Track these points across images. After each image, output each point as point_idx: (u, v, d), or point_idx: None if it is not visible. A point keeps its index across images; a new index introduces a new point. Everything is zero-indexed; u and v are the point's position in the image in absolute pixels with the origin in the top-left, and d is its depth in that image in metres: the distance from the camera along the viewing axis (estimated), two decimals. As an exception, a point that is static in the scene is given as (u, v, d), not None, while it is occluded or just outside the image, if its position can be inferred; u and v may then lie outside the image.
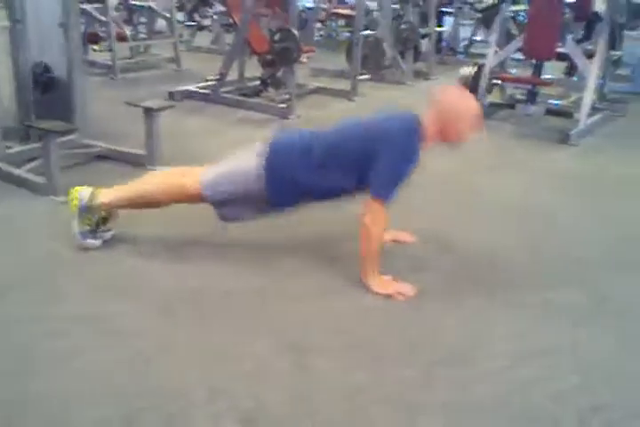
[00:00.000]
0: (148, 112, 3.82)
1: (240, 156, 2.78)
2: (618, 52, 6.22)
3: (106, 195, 2.82)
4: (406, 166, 2.58)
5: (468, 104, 2.66)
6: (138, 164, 3.91)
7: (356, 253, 2.67)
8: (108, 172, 3.83)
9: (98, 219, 2.82)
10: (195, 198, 2.76)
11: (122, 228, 2.94)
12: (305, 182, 2.66)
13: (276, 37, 5.32)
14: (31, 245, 2.88)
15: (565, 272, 2.88)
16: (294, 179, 2.66)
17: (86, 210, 2.79)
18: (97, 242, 2.84)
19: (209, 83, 6.00)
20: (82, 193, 2.81)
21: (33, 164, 3.67)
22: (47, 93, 4.07)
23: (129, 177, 3.69)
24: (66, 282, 2.58)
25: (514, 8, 6.50)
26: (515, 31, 6.90)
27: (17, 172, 3.55)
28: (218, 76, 5.82)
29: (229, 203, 2.73)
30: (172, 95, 5.81)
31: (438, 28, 8.23)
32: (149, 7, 7.62)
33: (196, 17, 9.27)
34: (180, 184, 2.76)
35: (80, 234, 2.80)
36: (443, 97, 2.67)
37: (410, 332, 2.35)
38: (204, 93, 5.88)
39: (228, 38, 7.99)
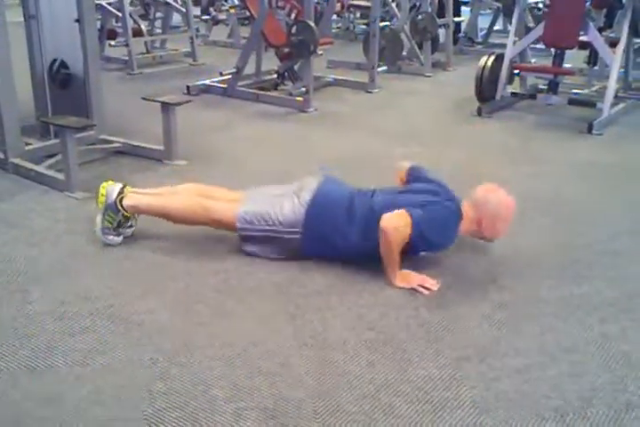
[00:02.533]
0: (166, 107, 3.80)
1: (283, 198, 2.72)
2: (641, 41, 6.10)
3: (133, 198, 2.80)
4: (442, 223, 2.60)
5: (509, 206, 2.67)
6: (156, 159, 3.90)
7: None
8: (126, 167, 3.82)
9: (121, 218, 2.79)
10: (224, 225, 2.75)
11: (144, 223, 2.92)
12: (343, 241, 2.64)
13: (293, 30, 5.28)
14: (51, 241, 2.87)
15: (593, 265, 2.81)
16: (333, 236, 2.64)
17: (111, 208, 2.78)
18: (118, 239, 2.82)
19: (226, 77, 5.97)
20: (110, 190, 2.80)
21: (52, 160, 3.67)
22: (64, 90, 4.07)
23: (147, 172, 3.72)
24: (87, 278, 2.56)
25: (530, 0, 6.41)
26: (531, 24, 6.81)
27: (36, 168, 3.55)
28: (234, 70, 5.79)
29: (259, 242, 2.71)
30: (189, 90, 5.79)
31: (456, 19, 8.13)
32: (165, 1, 7.60)
33: (212, 11, 9.23)
34: (215, 210, 2.73)
35: (102, 230, 2.79)
36: (486, 198, 2.67)
37: (433, 327, 2.30)
38: (220, 87, 5.86)
39: (245, 32, 7.96)
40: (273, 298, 2.48)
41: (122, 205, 2.77)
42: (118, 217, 2.78)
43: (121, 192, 2.79)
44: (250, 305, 2.42)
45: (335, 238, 2.64)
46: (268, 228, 2.66)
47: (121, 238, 2.83)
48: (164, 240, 2.90)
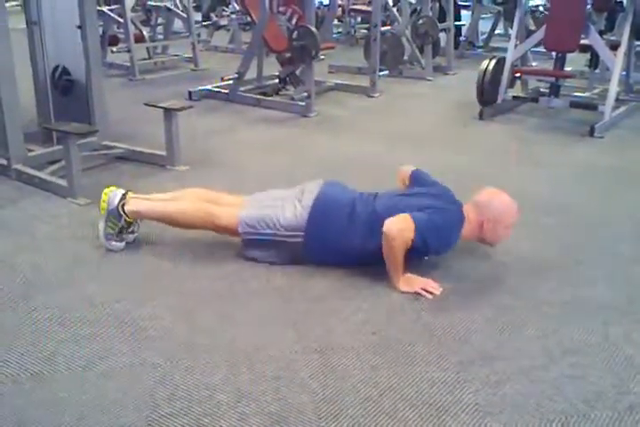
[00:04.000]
0: (168, 113, 3.81)
1: (285, 202, 2.72)
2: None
3: (136, 204, 2.81)
4: (444, 228, 2.58)
5: (512, 211, 2.67)
6: (158, 164, 3.91)
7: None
8: (128, 173, 3.83)
9: (123, 223, 2.79)
10: (227, 231, 2.76)
11: (146, 229, 2.93)
12: (345, 245, 2.64)
13: (295, 35, 5.29)
14: (55, 248, 2.88)
15: (596, 269, 2.81)
16: (335, 240, 2.64)
17: (114, 214, 2.78)
18: (120, 244, 2.83)
19: (227, 82, 5.98)
20: (112, 196, 2.80)
21: (54, 166, 3.68)
22: (67, 96, 4.08)
23: (150, 178, 3.72)
24: (91, 284, 2.57)
25: (532, 3, 6.41)
26: (533, 27, 6.82)
27: (39, 174, 3.56)
28: (236, 75, 5.80)
29: (261, 247, 2.71)
30: (190, 95, 5.81)
31: (457, 23, 8.15)
32: (167, 7, 7.62)
33: (214, 16, 9.26)
34: (217, 215, 2.72)
35: (105, 236, 2.80)
36: (490, 202, 2.67)
37: (437, 331, 2.30)
38: (222, 93, 5.87)
39: (246, 37, 7.98)
40: (276, 303, 2.48)
41: (124, 211, 2.78)
42: (121, 223, 2.79)
43: (123, 198, 2.79)
44: (253, 310, 2.43)
45: (337, 242, 2.64)
46: (270, 231, 2.66)
47: (123, 244, 2.84)
48: (166, 246, 2.90)
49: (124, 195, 2.80)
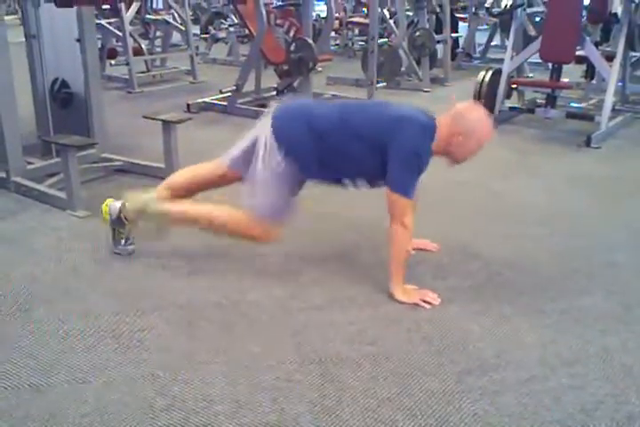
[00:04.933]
0: (166, 125, 3.83)
1: (262, 161, 2.62)
2: (637, 54, 6.14)
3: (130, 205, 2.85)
4: (419, 162, 2.54)
5: (487, 127, 2.60)
6: (157, 176, 3.91)
7: (379, 263, 2.64)
8: (127, 185, 3.81)
9: (129, 228, 2.86)
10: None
11: (144, 241, 2.93)
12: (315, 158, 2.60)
13: (292, 47, 5.32)
14: (54, 260, 2.88)
15: (593, 278, 2.82)
16: (307, 149, 2.59)
17: (117, 223, 2.84)
18: (132, 247, 2.90)
19: (225, 94, 6.01)
20: (112, 207, 2.84)
21: (53, 179, 3.69)
22: (66, 109, 4.10)
23: (149, 190, 3.72)
24: (90, 296, 2.57)
25: (530, 10, 6.45)
26: (532, 32, 6.84)
27: (38, 187, 3.57)
28: (234, 88, 5.83)
29: (286, 208, 2.67)
30: (189, 107, 5.83)
31: (453, 34, 8.20)
32: (165, 20, 7.67)
33: (212, 29, 9.32)
34: (244, 224, 2.67)
35: (116, 245, 2.88)
36: (465, 113, 2.59)
37: (435, 341, 2.31)
38: (221, 105, 5.90)
39: (244, 50, 8.03)
40: (274, 313, 2.48)
41: (125, 218, 2.82)
42: (127, 229, 2.85)
43: (122, 207, 2.83)
44: (251, 320, 2.43)
45: (316, 150, 2.59)
46: (281, 195, 2.63)
47: (133, 247, 2.90)
48: (164, 257, 2.91)
49: (122, 204, 2.83)
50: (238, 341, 2.29)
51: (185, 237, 2.98)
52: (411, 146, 2.52)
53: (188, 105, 5.84)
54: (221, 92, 6.11)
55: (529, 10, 5.95)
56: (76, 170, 3.34)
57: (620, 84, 5.56)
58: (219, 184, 2.87)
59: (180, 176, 2.98)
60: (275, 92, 6.04)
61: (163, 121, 3.83)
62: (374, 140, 2.55)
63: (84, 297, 2.57)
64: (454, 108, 2.60)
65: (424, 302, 2.54)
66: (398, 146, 2.50)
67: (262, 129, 2.65)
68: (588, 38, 5.31)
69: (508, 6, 7.40)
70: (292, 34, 6.68)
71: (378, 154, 2.54)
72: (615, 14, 6.02)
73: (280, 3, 6.89)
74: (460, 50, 8.76)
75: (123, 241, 2.88)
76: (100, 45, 6.27)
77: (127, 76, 6.85)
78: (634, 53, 5.90)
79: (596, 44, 5.84)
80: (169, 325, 2.38)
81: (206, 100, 6.02)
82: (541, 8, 6.23)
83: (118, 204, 2.84)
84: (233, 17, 8.92)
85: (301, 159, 2.60)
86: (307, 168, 2.62)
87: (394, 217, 2.52)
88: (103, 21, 6.90)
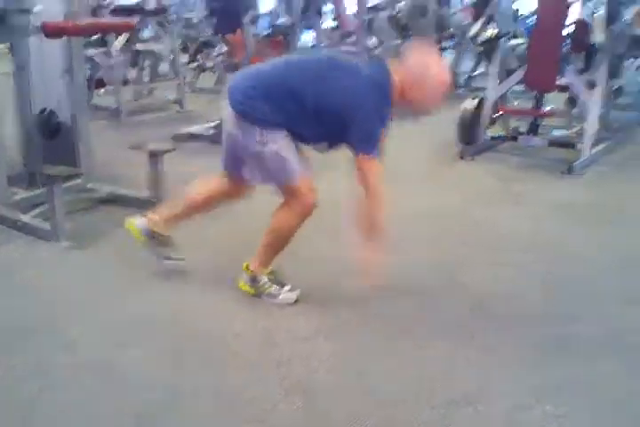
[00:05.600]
0: (152, 155, 3.84)
1: (243, 138, 2.61)
2: (619, 82, 6.23)
3: (158, 216, 2.87)
4: (379, 120, 2.53)
5: (439, 70, 2.55)
6: (144, 207, 3.90)
7: (363, 293, 2.64)
8: (113, 215, 3.81)
9: (162, 239, 2.87)
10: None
11: (131, 275, 2.93)
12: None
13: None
14: (37, 292, 2.87)
15: (578, 306, 2.83)
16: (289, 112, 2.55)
17: (151, 235, 2.84)
18: (178, 262, 2.90)
19: (212, 124, 6.03)
20: (138, 223, 2.86)
21: (38, 209, 3.67)
22: (53, 139, 4.11)
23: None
24: (73, 329, 2.56)
25: (513, 42, 6.54)
26: (514, 65, 6.93)
27: (22, 218, 3.56)
28: (220, 118, 5.86)
29: (301, 162, 2.65)
30: (176, 137, 5.85)
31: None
32: (153, 50, 7.72)
33: (200, 58, 9.38)
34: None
35: (160, 261, 2.89)
36: (415, 58, 2.54)
37: (420, 372, 2.30)
38: (208, 135, 5.91)
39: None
40: (259, 344, 2.48)
41: (154, 231, 2.84)
42: (161, 241, 2.86)
43: (146, 220, 2.85)
44: (236, 352, 2.42)
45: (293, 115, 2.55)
46: (292, 159, 2.59)
47: (180, 261, 2.91)
48: (149, 291, 2.90)
49: (144, 216, 2.86)
50: (223, 372, 2.29)
51: (169, 270, 2.98)
52: (367, 108, 2.49)
53: (176, 134, 5.86)
54: (209, 122, 6.12)
55: (513, 41, 6.02)
56: (60, 201, 3.34)
57: (602, 111, 5.62)
58: (230, 193, 2.90)
59: (198, 194, 2.97)
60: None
61: (148, 152, 3.83)
62: (331, 107, 2.51)
63: (67, 330, 2.55)
64: (407, 54, 2.56)
65: (372, 273, 2.48)
66: (355, 111, 2.48)
67: (224, 113, 2.64)
68: (569, 67, 5.38)
69: (492, 36, 7.51)
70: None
71: (334, 119, 2.52)
72: (594, 44, 6.11)
73: (267, 32, 6.97)
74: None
75: (167, 255, 2.87)
76: (87, 75, 6.29)
77: (115, 106, 6.87)
78: (615, 81, 5.98)
79: (579, 72, 5.92)
80: (155, 357, 2.37)
81: (193, 129, 6.04)
82: (524, 39, 6.31)
83: (142, 218, 2.85)
84: (221, 46, 8.99)
85: (265, 115, 2.52)
86: (273, 122, 2.54)
87: (363, 178, 2.52)
88: (91, 50, 6.92)
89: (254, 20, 6.65)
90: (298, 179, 2.60)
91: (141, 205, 3.91)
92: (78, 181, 3.98)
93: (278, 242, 2.72)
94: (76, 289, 2.86)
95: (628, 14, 5.66)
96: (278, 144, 2.55)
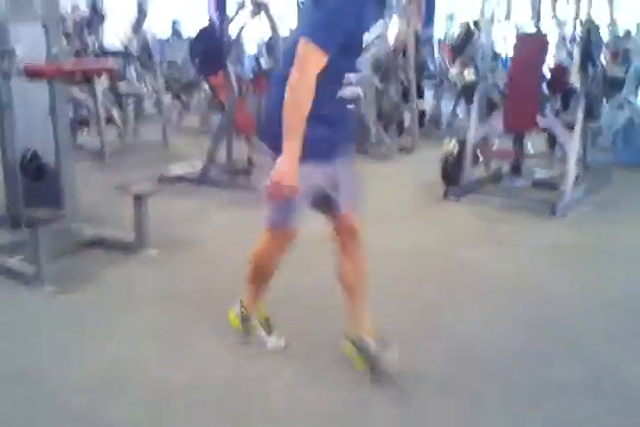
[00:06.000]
0: (137, 198, 3.83)
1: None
2: (597, 123, 6.35)
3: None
4: (346, 16, 2.15)
5: None
6: (128, 249, 3.89)
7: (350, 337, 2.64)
8: (97, 258, 3.79)
9: (260, 322, 2.81)
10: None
11: (117, 324, 2.89)
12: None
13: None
14: (18, 339, 2.83)
15: (561, 349, 2.84)
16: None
17: (249, 320, 2.79)
18: (282, 342, 2.80)
19: (198, 164, 6.04)
20: (236, 313, 2.81)
21: (21, 254, 3.62)
22: (37, 181, 4.09)
23: (118, 264, 3.69)
24: (54, 377, 2.52)
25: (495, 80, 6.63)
26: (497, 100, 7.03)
27: (4, 262, 3.51)
28: (206, 158, 5.88)
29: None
30: (161, 178, 5.83)
31: (420, 103, 8.41)
32: (137, 91, 7.78)
33: (184, 98, 9.46)
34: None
35: (260, 340, 2.79)
36: None
37: (406, 423, 2.29)
38: (193, 175, 5.92)
39: (217, 119, 8.12)
40: (249, 392, 2.46)
41: (249, 318, 2.79)
42: (259, 324, 2.81)
43: (242, 310, 2.80)
44: (222, 404, 2.39)
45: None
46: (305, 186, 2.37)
47: (280, 342, 2.80)
48: (132, 340, 2.86)
49: (241, 305, 2.80)
50: (211, 424, 2.25)
51: (154, 312, 2.95)
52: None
53: (161, 175, 5.84)
54: (194, 162, 6.13)
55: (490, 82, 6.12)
56: (44, 244, 3.31)
57: (581, 152, 5.71)
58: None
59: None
60: (247, 161, 6.07)
61: (133, 195, 3.82)
62: None
63: (48, 379, 2.51)
64: None
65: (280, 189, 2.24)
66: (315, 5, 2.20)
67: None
68: (548, 109, 5.48)
69: (470, 81, 7.66)
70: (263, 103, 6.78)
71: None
72: (571, 87, 6.24)
73: (251, 75, 7.03)
74: (427, 118, 8.98)
75: (267, 336, 2.80)
76: (71, 115, 6.31)
77: (99, 146, 6.86)
78: (593, 122, 6.09)
79: (557, 112, 6.03)
80: (135, 407, 2.33)
81: (178, 169, 6.03)
82: (501, 81, 6.41)
83: (238, 308, 2.80)
84: (205, 87, 9.07)
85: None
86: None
87: (295, 64, 2.12)
88: (75, 90, 6.95)
89: (240, 62, 6.75)
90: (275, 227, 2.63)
91: (126, 246, 3.91)
92: (62, 223, 3.94)
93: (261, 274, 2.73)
94: (56, 335, 2.81)
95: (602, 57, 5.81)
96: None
